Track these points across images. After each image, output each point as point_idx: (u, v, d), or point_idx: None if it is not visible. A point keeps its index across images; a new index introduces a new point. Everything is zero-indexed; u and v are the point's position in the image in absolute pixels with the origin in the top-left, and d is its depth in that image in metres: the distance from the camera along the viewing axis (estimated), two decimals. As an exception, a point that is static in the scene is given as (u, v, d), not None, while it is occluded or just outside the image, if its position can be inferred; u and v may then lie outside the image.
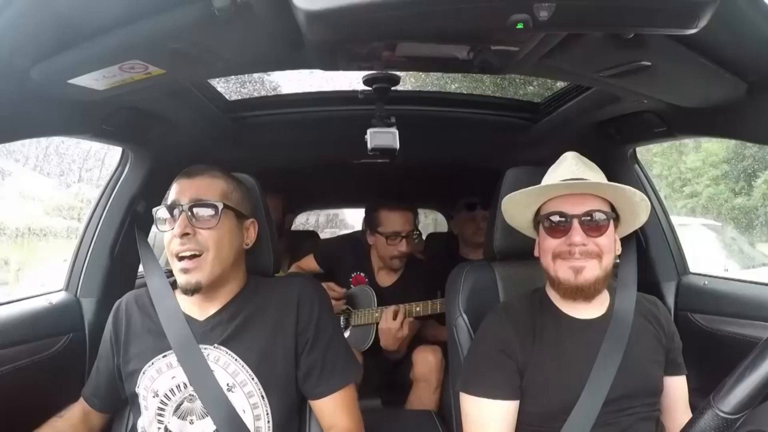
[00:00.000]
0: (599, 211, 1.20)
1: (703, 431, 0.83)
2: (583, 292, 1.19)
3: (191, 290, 1.18)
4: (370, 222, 2.37)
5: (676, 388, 1.30)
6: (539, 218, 1.27)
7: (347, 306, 2.41)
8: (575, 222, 1.18)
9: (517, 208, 1.31)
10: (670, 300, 1.79)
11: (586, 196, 1.21)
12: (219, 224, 1.18)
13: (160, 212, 1.22)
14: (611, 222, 1.21)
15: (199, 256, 1.17)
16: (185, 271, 1.17)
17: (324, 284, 2.39)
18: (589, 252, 1.17)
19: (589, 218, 1.19)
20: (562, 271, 1.20)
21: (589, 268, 1.17)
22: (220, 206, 1.19)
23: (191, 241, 1.16)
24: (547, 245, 1.22)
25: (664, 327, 1.30)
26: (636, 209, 1.26)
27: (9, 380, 1.30)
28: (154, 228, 1.75)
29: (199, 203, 1.18)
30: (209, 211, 1.18)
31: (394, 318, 2.14)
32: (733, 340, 1.54)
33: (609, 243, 1.20)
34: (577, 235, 1.17)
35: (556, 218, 1.21)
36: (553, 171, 1.29)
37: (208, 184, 1.22)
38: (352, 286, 2.48)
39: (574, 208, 1.20)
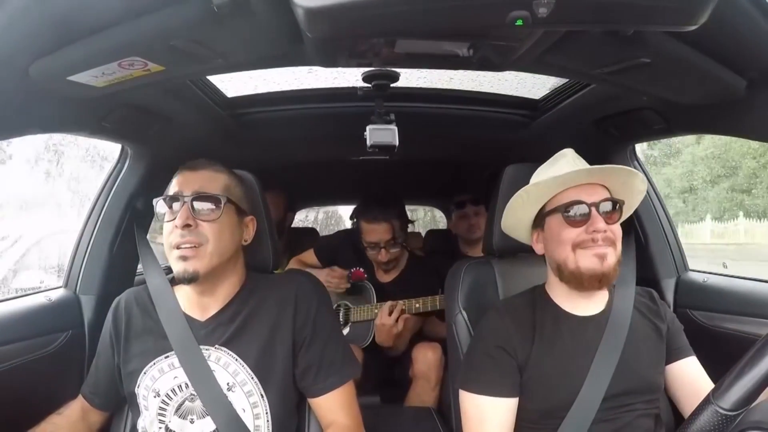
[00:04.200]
0: (611, 199, 1.22)
1: (702, 428, 0.83)
2: (607, 278, 1.18)
3: (187, 279, 1.16)
4: (357, 228, 2.39)
5: (689, 369, 1.28)
6: (549, 211, 1.25)
7: (346, 302, 2.41)
8: (594, 210, 1.19)
9: (525, 204, 1.29)
10: (670, 297, 1.79)
11: (595, 186, 1.22)
12: (221, 217, 1.18)
13: (161, 203, 1.21)
14: (620, 209, 1.23)
15: (198, 247, 1.16)
16: (183, 258, 1.16)
17: (327, 268, 2.41)
18: (608, 238, 1.18)
19: (605, 206, 1.20)
20: (585, 260, 1.18)
21: (610, 255, 1.18)
22: (224, 199, 1.19)
23: (192, 233, 1.15)
24: (567, 236, 1.20)
25: (662, 316, 1.30)
26: (633, 198, 1.29)
27: (8, 377, 1.30)
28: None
29: (202, 195, 1.18)
30: (212, 204, 1.18)
31: (389, 314, 2.15)
32: (732, 337, 1.54)
33: (620, 230, 1.22)
34: (600, 221, 1.18)
35: (576, 207, 1.20)
36: (551, 166, 1.29)
37: (211, 177, 1.22)
38: (351, 280, 2.48)
39: (591, 197, 1.20)
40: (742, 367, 0.83)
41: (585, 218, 1.19)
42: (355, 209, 2.45)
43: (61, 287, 1.64)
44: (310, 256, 2.62)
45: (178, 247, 1.16)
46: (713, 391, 0.84)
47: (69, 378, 1.46)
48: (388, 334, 2.16)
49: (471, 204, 2.58)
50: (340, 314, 2.39)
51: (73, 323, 1.55)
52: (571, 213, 1.21)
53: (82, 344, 1.55)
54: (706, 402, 0.84)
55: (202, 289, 1.24)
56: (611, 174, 1.22)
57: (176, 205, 1.18)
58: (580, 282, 1.20)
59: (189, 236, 1.15)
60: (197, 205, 1.17)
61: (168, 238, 1.18)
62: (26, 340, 1.39)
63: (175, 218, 1.16)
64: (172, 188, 1.21)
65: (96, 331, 1.39)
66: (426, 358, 2.13)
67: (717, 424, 0.82)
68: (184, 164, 1.25)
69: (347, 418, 1.24)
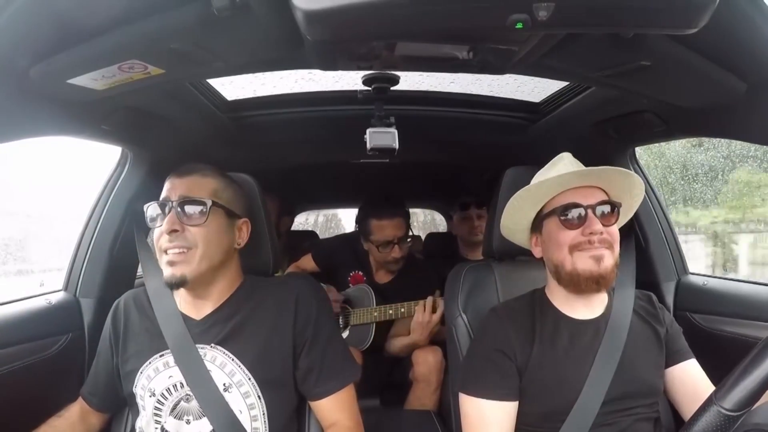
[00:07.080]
0: (609, 201, 1.22)
1: (704, 429, 0.83)
2: (604, 280, 1.18)
3: (176, 283, 1.17)
4: (362, 230, 2.36)
5: (689, 372, 1.27)
6: (546, 214, 1.26)
7: (345, 306, 2.41)
8: (590, 212, 1.19)
9: (523, 206, 1.29)
10: (670, 300, 1.79)
11: (592, 188, 1.22)
12: (207, 221, 1.18)
13: (151, 209, 1.22)
14: (618, 212, 1.23)
15: (186, 252, 1.17)
16: (171, 263, 1.17)
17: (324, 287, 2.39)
18: (605, 240, 1.18)
19: (602, 208, 1.20)
20: (581, 261, 1.19)
21: (607, 257, 1.18)
22: (209, 203, 1.19)
23: (179, 238, 1.16)
24: (563, 238, 1.21)
25: (661, 319, 1.30)
26: (632, 201, 1.29)
27: (8, 380, 1.30)
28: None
29: (188, 200, 1.18)
30: (198, 208, 1.18)
31: (434, 310, 2.12)
32: (732, 340, 1.54)
33: (617, 233, 1.22)
34: (596, 224, 1.18)
35: (573, 209, 1.21)
36: (549, 170, 1.29)
37: (197, 182, 1.22)
38: (350, 285, 2.48)
39: (587, 199, 1.20)
40: (745, 368, 0.82)
41: (581, 220, 1.19)
42: (360, 211, 2.41)
43: (61, 290, 1.64)
44: (307, 261, 2.61)
45: (166, 252, 1.17)
46: (715, 391, 0.84)
47: (69, 381, 1.46)
48: (428, 330, 2.13)
49: (475, 206, 2.58)
50: (340, 318, 2.38)
51: (73, 326, 1.55)
52: (568, 215, 1.21)
53: (82, 347, 1.55)
54: (709, 402, 0.84)
55: (195, 293, 1.25)
56: (606, 176, 1.22)
57: (165, 210, 1.19)
58: (578, 284, 1.20)
59: (176, 241, 1.16)
60: (184, 210, 1.18)
61: (158, 242, 1.19)
62: (26, 343, 1.39)
63: (163, 223, 1.18)
64: (162, 194, 1.22)
65: (96, 334, 1.39)
66: (426, 361, 2.12)
67: (719, 424, 0.82)
68: (174, 170, 1.25)
69: (348, 419, 1.24)
